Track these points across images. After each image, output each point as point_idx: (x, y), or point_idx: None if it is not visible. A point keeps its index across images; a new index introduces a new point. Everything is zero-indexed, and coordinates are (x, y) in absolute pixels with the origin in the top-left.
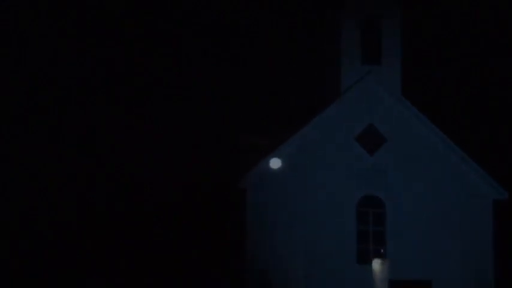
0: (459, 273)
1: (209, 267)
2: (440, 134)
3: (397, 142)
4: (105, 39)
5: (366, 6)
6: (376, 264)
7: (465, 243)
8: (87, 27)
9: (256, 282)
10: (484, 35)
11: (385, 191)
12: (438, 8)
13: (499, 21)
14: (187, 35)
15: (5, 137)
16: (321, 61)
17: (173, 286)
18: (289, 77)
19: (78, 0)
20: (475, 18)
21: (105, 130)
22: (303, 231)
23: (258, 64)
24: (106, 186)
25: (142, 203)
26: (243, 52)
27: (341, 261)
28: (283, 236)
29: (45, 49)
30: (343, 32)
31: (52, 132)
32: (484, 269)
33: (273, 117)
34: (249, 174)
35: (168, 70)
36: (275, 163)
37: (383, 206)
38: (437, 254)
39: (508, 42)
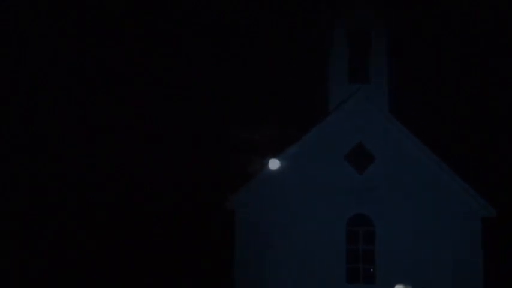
0: None
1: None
2: (430, 152)
3: (386, 160)
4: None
5: (353, 24)
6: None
7: (455, 262)
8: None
9: None
10: (472, 52)
11: (375, 210)
12: (425, 25)
13: (484, 40)
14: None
15: (5, 137)
16: (309, 79)
17: None
18: (277, 95)
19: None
20: (460, 37)
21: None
22: (292, 251)
23: (247, 82)
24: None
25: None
26: (228, 74)
27: (331, 281)
28: (272, 255)
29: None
30: (331, 51)
31: (46, 132)
32: (474, 285)
33: (262, 136)
34: (237, 194)
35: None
36: (274, 164)
37: (373, 225)
38: (428, 273)
39: (495, 56)
